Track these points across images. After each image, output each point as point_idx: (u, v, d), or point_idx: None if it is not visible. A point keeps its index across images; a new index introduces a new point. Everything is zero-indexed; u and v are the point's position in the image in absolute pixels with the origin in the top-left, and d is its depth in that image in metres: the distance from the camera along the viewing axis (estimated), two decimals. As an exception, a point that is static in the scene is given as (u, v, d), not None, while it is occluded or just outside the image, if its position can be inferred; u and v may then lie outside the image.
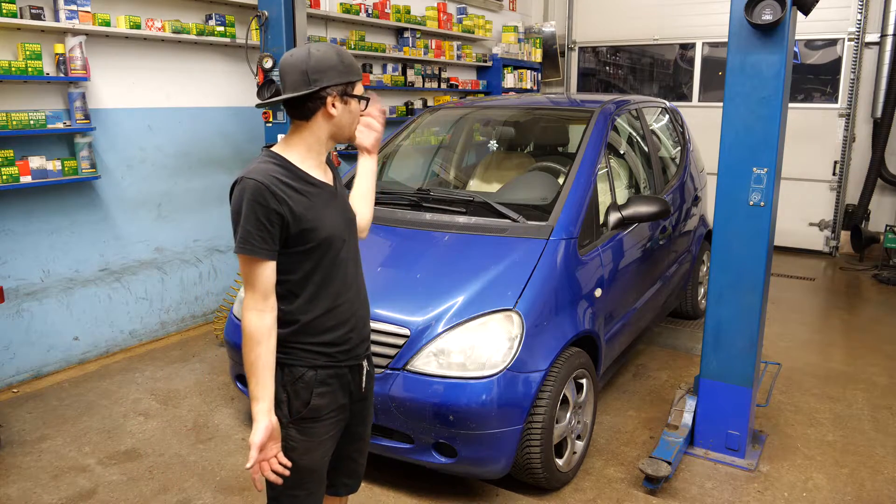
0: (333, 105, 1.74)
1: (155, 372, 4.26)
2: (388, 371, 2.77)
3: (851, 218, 7.24)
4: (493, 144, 4.77)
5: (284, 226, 1.69)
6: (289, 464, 1.75)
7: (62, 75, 3.99)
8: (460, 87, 7.67)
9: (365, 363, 1.95)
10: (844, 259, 7.27)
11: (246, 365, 1.70)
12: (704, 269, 5.21)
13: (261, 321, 1.69)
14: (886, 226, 6.70)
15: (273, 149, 1.79)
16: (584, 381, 3.12)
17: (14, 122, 3.73)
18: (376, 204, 3.69)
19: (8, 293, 3.95)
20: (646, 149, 4.37)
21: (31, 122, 3.82)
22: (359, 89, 1.80)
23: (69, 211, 4.25)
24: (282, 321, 1.76)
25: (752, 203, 2.99)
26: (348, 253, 1.86)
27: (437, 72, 7.36)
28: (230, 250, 5.31)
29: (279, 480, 1.74)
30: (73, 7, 3.96)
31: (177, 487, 3.05)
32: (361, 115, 1.89)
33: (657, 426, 3.57)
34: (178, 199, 4.91)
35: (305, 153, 1.78)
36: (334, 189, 1.86)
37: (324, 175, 1.83)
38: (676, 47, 8.22)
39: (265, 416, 1.69)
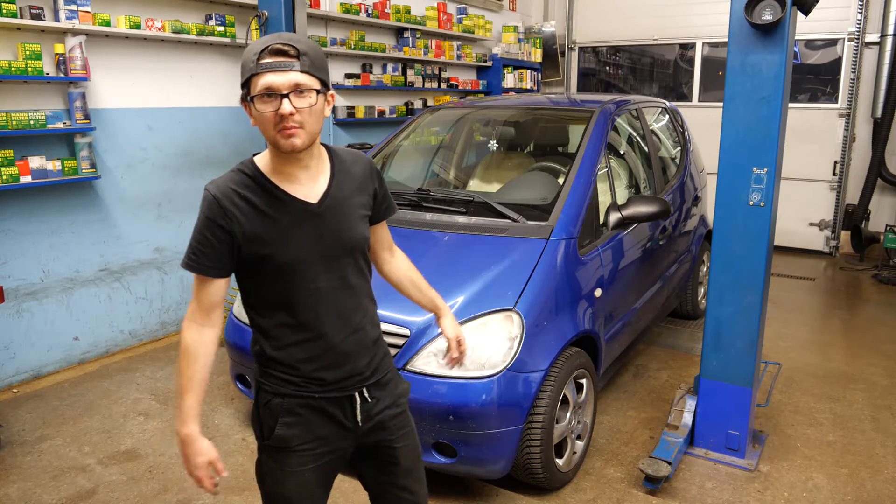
0: (250, 112, 1.54)
1: (155, 372, 4.26)
2: (388, 371, 2.77)
3: (851, 218, 7.24)
4: (493, 144, 4.77)
5: (234, 244, 1.55)
6: (221, 475, 1.65)
7: (62, 75, 3.99)
8: (460, 87, 7.67)
9: (361, 393, 1.70)
10: (844, 259, 7.27)
11: (180, 379, 1.61)
12: (704, 269, 5.21)
13: (199, 336, 1.61)
14: (886, 226, 6.70)
15: (257, 155, 1.64)
16: (584, 381, 3.12)
17: (14, 122, 3.73)
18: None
19: (8, 293, 3.95)
20: (646, 149, 4.37)
21: (31, 122, 3.82)
22: (258, 87, 1.47)
23: (69, 211, 4.25)
24: (253, 340, 1.69)
25: (752, 203, 2.99)
26: (329, 282, 1.62)
27: (437, 72, 7.35)
28: (230, 250, 5.31)
29: (213, 490, 1.66)
30: (73, 7, 3.96)
31: (177, 487, 3.05)
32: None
33: (657, 426, 3.57)
34: (178, 199, 4.91)
35: (275, 161, 1.58)
36: (317, 206, 1.60)
37: (306, 187, 1.60)
38: (676, 47, 8.22)
39: (180, 430, 1.61)
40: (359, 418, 1.70)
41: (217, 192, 1.57)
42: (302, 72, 1.47)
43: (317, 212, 1.60)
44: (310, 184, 1.61)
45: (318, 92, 1.51)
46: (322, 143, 1.68)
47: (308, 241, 1.59)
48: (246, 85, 1.52)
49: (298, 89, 1.47)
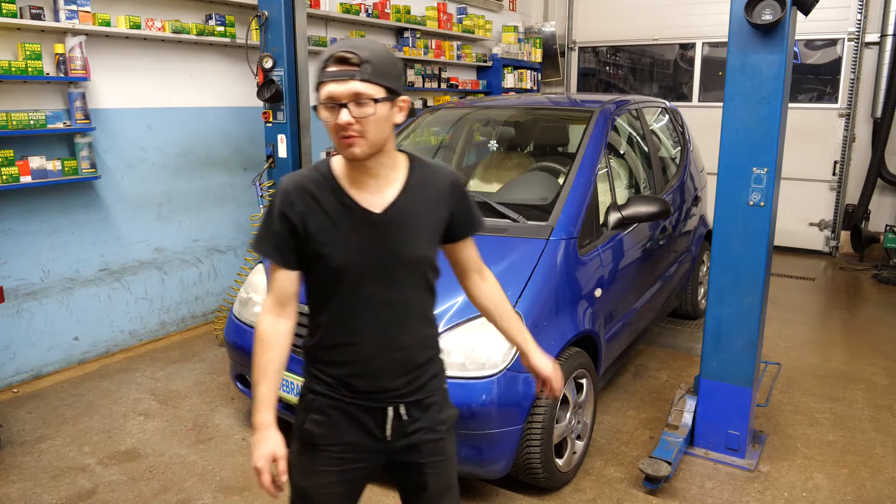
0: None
1: (155, 372, 4.26)
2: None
3: (851, 218, 7.24)
4: (493, 144, 4.77)
5: (297, 238, 1.57)
6: (280, 475, 1.61)
7: (62, 75, 3.99)
8: (460, 87, 7.67)
9: (395, 409, 1.65)
10: (844, 259, 7.27)
11: (254, 368, 1.64)
12: (704, 269, 5.21)
13: (274, 326, 1.64)
14: (886, 226, 6.70)
15: (337, 156, 1.61)
16: (584, 380, 3.12)
17: (14, 122, 3.73)
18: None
19: (8, 293, 3.95)
20: (646, 149, 4.37)
21: (31, 122, 3.82)
22: (322, 96, 1.49)
23: (69, 211, 4.25)
24: (307, 334, 1.71)
25: (752, 203, 2.99)
26: (377, 295, 1.59)
27: (437, 72, 7.35)
28: (230, 251, 5.31)
29: (270, 490, 1.62)
30: (73, 7, 3.96)
31: (177, 487, 3.05)
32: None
33: (657, 426, 3.57)
34: (178, 199, 4.91)
35: (346, 166, 1.58)
36: (380, 216, 1.57)
37: (374, 195, 1.58)
38: (676, 47, 8.22)
39: (254, 418, 1.62)
40: (388, 433, 1.65)
41: (289, 185, 1.59)
42: (362, 80, 1.45)
43: (378, 221, 1.57)
44: (378, 192, 1.58)
45: (380, 100, 1.47)
46: (407, 153, 1.65)
47: (363, 250, 1.57)
48: (317, 91, 1.53)
49: (358, 99, 1.45)
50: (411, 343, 1.66)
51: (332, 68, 1.47)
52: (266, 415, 1.61)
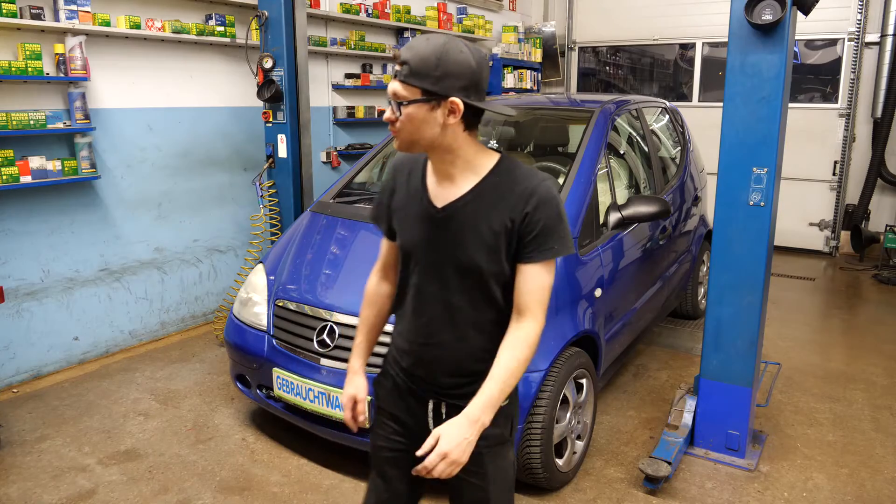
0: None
1: (155, 372, 4.26)
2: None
3: (851, 218, 7.24)
4: (493, 144, 4.77)
5: (389, 210, 1.71)
6: (360, 420, 1.80)
7: (62, 75, 3.99)
8: (460, 87, 7.65)
9: (436, 404, 1.66)
10: (844, 259, 7.27)
11: (359, 322, 1.85)
12: (704, 269, 5.21)
13: (376, 287, 1.83)
14: (886, 226, 6.70)
15: None
16: (584, 381, 3.12)
17: (14, 122, 3.73)
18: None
19: (8, 293, 3.95)
20: (646, 149, 4.37)
21: (31, 122, 3.82)
22: None
23: (69, 211, 4.25)
24: None
25: (752, 203, 2.99)
26: (429, 287, 1.61)
27: (437, 72, 7.34)
28: (230, 251, 5.31)
29: (353, 427, 1.82)
30: (73, 7, 3.96)
31: (177, 487, 3.05)
32: None
33: (657, 426, 3.57)
34: (178, 199, 4.91)
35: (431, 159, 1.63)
36: (439, 211, 1.58)
37: (445, 190, 1.58)
38: (676, 47, 8.22)
39: (348, 374, 1.81)
40: (430, 424, 1.66)
41: (395, 161, 1.75)
42: (400, 81, 1.49)
43: (436, 217, 1.59)
44: (450, 189, 1.58)
45: (412, 102, 1.47)
46: (503, 155, 1.61)
47: (421, 240, 1.62)
48: None
49: (394, 98, 1.50)
50: (457, 347, 1.62)
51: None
52: (356, 361, 1.81)
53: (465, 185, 1.57)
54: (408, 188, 1.66)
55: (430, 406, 1.67)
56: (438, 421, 1.64)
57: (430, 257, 1.60)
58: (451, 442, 1.49)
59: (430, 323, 1.63)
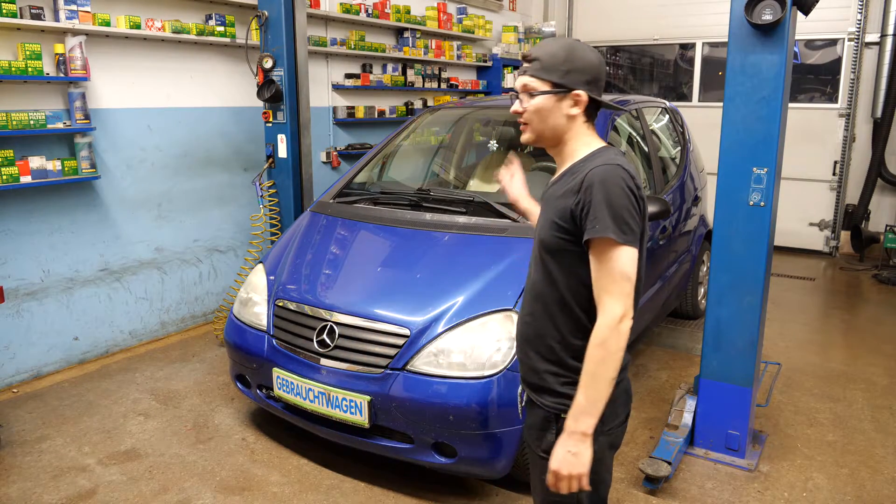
0: None
1: (155, 372, 4.26)
2: (388, 371, 2.77)
3: (851, 218, 7.24)
4: (493, 144, 4.77)
5: None
6: None
7: (62, 75, 3.99)
8: (460, 87, 7.67)
9: (524, 391, 1.80)
10: (844, 259, 7.27)
11: None
12: (704, 269, 5.21)
13: None
14: (886, 226, 6.70)
15: None
16: (584, 381, 3.11)
17: (14, 122, 3.73)
18: (376, 204, 3.73)
19: (8, 293, 3.96)
20: (646, 149, 4.37)
21: (31, 122, 3.82)
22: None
23: (69, 211, 4.25)
24: None
25: (752, 203, 2.99)
26: (533, 267, 1.74)
27: (437, 72, 7.35)
28: (230, 251, 5.32)
29: None
30: (73, 7, 3.96)
31: (177, 487, 3.05)
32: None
33: (657, 426, 3.57)
34: (178, 199, 4.91)
35: None
36: (543, 193, 1.76)
37: (562, 177, 1.69)
38: (676, 47, 8.22)
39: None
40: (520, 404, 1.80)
41: None
42: (530, 75, 1.65)
43: (541, 197, 1.77)
44: (562, 173, 1.71)
45: (542, 93, 1.62)
46: (609, 145, 1.70)
47: (538, 223, 1.74)
48: None
49: (524, 90, 1.66)
50: (532, 329, 1.71)
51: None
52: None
53: (562, 170, 1.72)
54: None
55: (519, 390, 1.86)
56: (528, 408, 1.82)
57: (537, 239, 1.72)
58: (555, 461, 1.57)
59: (524, 301, 1.77)
